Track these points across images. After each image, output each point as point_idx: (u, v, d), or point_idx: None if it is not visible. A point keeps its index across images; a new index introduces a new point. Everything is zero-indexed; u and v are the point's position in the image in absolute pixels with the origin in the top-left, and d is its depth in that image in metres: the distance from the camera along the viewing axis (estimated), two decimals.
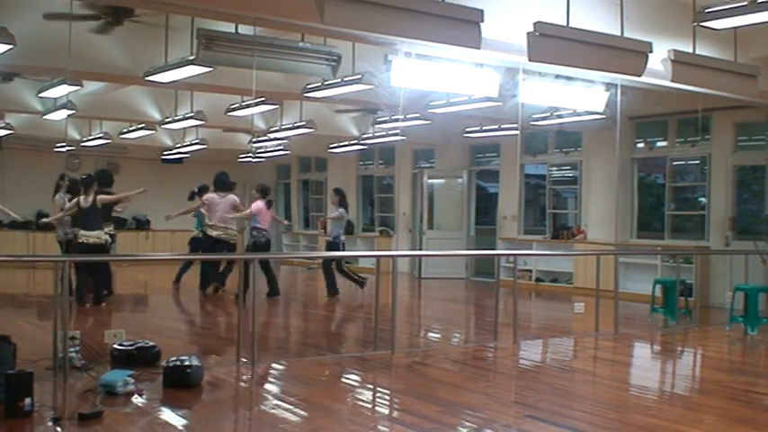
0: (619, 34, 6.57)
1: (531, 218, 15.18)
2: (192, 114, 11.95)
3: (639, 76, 6.77)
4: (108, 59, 8.49)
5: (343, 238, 11.77)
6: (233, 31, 7.05)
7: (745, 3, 5.84)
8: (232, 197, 11.24)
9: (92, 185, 9.70)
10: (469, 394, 5.81)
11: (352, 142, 15.43)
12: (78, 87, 10.11)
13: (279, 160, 18.68)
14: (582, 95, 8.40)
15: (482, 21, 5.70)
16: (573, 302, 10.41)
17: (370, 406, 5.73)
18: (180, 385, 5.53)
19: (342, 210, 11.89)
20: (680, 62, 6.91)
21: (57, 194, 10.24)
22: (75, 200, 9.65)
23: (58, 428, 4.58)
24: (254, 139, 15.20)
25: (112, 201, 10.07)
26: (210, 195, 11.32)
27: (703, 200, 11.75)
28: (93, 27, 7.30)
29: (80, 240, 9.39)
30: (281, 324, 9.78)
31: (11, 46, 6.51)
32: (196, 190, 12.03)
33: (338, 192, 12.18)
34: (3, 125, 13.19)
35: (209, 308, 11.20)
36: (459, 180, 15.60)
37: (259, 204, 10.98)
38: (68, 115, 11.30)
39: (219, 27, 7.01)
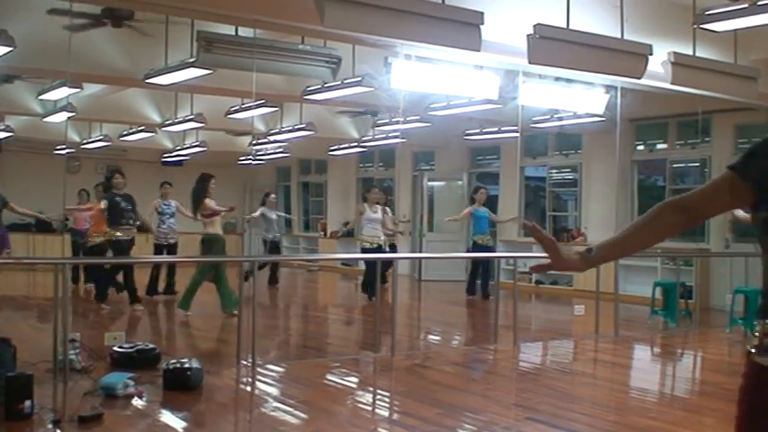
0: (619, 36, 6.57)
1: (530, 220, 15.14)
2: (192, 117, 11.94)
3: (639, 78, 6.77)
4: (108, 62, 8.49)
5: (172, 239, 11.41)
6: (233, 33, 7.05)
7: (746, 5, 5.85)
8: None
9: None
10: (470, 396, 5.81)
11: (352, 144, 15.43)
12: (78, 89, 10.09)
13: (279, 162, 18.65)
14: (582, 98, 8.42)
15: (482, 23, 5.70)
16: (573, 305, 10.41)
17: (370, 408, 5.73)
18: (180, 387, 5.52)
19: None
20: (680, 64, 6.91)
21: None
22: None
23: (58, 431, 4.58)
24: (255, 142, 15.19)
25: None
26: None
27: None
28: (75, 25, 7.24)
29: None
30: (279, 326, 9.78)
31: (11, 48, 6.51)
32: None
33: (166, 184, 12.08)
34: (3, 127, 13.18)
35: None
36: (460, 182, 15.59)
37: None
38: (68, 117, 11.27)
39: (219, 29, 7.02)
